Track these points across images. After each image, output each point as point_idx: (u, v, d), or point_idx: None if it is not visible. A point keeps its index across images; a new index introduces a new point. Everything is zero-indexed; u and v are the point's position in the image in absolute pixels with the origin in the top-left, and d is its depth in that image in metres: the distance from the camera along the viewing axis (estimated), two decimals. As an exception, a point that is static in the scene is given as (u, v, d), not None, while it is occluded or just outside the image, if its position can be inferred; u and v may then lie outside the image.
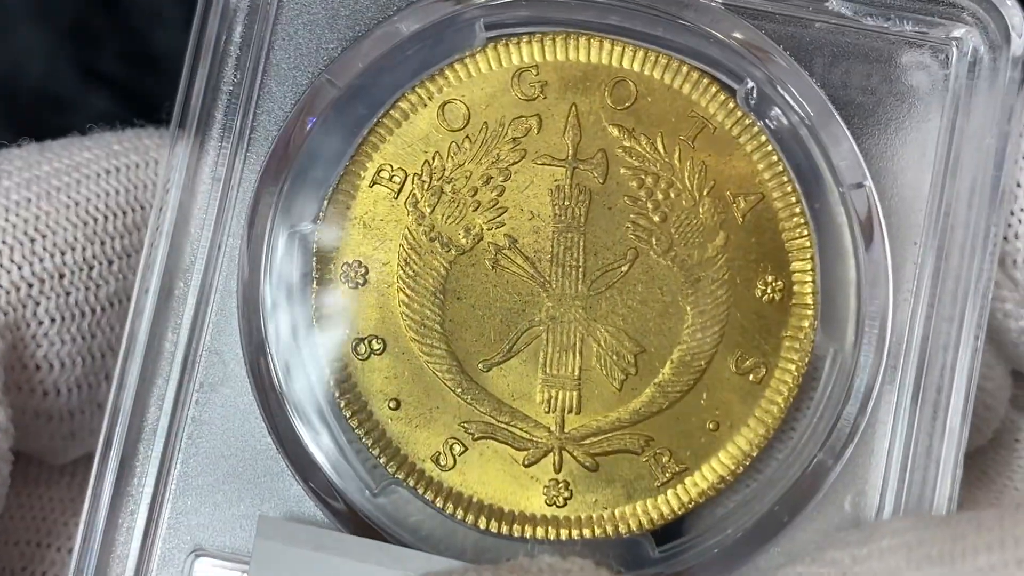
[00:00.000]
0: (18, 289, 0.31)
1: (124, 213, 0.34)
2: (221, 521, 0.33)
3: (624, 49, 0.33)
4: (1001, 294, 0.34)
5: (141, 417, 0.33)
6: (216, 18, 0.33)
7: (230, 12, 0.34)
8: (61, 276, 0.32)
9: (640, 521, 0.32)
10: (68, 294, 0.32)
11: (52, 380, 0.32)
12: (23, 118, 0.49)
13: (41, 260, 0.32)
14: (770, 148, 0.33)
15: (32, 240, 0.32)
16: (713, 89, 0.33)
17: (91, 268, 0.33)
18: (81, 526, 0.32)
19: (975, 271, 0.32)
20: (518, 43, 0.33)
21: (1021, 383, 0.37)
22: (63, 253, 0.32)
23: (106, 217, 0.33)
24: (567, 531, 0.32)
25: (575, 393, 0.32)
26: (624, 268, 0.33)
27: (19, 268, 0.32)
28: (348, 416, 0.32)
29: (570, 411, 0.32)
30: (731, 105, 0.33)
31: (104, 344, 0.33)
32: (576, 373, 0.32)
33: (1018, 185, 0.33)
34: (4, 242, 0.32)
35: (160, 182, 0.33)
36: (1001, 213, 0.33)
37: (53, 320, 0.32)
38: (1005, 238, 0.34)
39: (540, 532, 0.32)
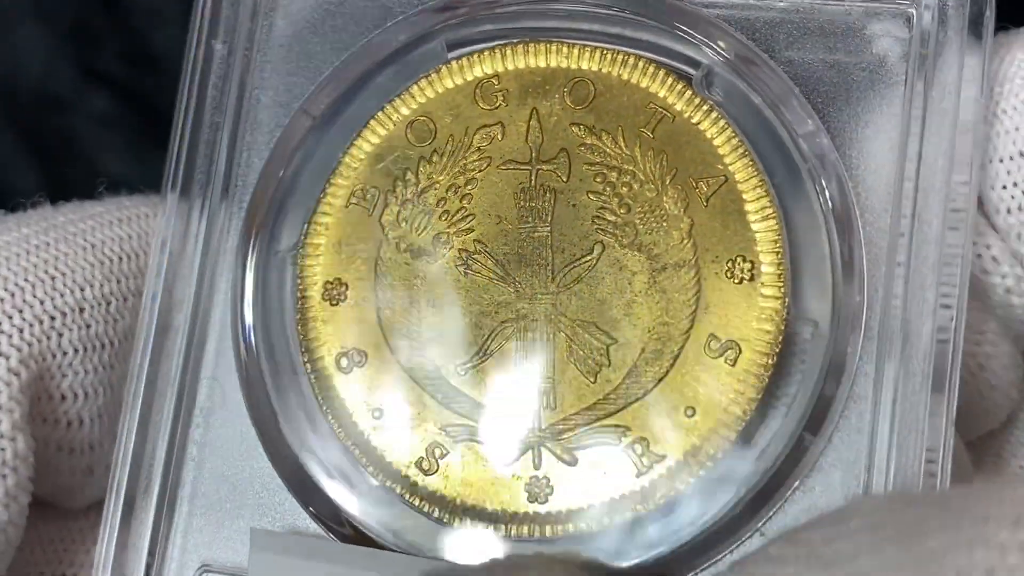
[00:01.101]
0: (41, 322, 0.34)
1: (137, 256, 0.36)
2: (227, 538, 0.34)
3: (581, 50, 0.34)
4: (1002, 269, 0.33)
5: (149, 442, 0.34)
6: (200, 63, 0.35)
7: (214, 57, 0.36)
8: (81, 310, 0.34)
9: (623, 512, 0.32)
10: (88, 327, 0.34)
11: (76, 410, 0.34)
12: (23, 118, 0.50)
13: (62, 295, 0.34)
14: (731, 131, 0.33)
15: (53, 278, 0.34)
16: (670, 79, 0.33)
17: (108, 304, 0.35)
18: (98, 547, 0.34)
19: (953, 234, 0.31)
20: (479, 56, 0.34)
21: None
22: (82, 289, 0.34)
23: (120, 258, 0.35)
24: (551, 526, 0.32)
25: (550, 388, 0.33)
26: (591, 261, 0.33)
27: (41, 303, 0.34)
28: (335, 428, 0.33)
29: (546, 407, 0.33)
30: (689, 93, 0.33)
31: (122, 375, 0.35)
32: (550, 369, 0.33)
33: (1001, 158, 0.32)
34: (26, 280, 0.34)
35: (157, 223, 0.35)
36: (974, 170, 0.32)
37: (76, 351, 0.34)
38: (1008, 210, 0.32)
39: (524, 530, 0.32)
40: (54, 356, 0.34)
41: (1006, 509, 0.24)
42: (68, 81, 0.51)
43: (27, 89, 0.51)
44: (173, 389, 0.35)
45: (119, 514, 0.34)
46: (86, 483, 0.35)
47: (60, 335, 0.34)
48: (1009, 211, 0.32)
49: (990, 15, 0.32)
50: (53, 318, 0.34)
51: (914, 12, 0.33)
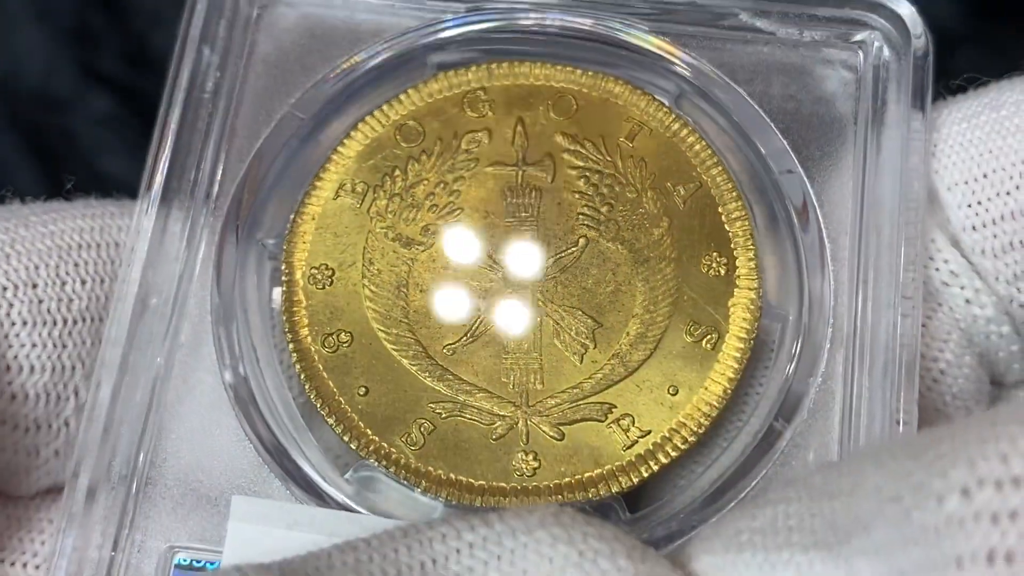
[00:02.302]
0: None
1: (98, 245, 0.36)
2: (199, 518, 0.33)
3: (563, 69, 0.36)
4: (960, 281, 0.36)
5: (116, 423, 0.33)
6: (188, 71, 0.36)
7: (202, 66, 0.37)
8: (34, 285, 0.34)
9: (608, 486, 0.33)
10: (40, 302, 0.34)
11: (20, 383, 0.33)
12: (23, 118, 0.50)
13: (16, 270, 0.34)
14: (704, 144, 0.36)
15: (7, 255, 0.34)
16: (647, 99, 0.36)
17: (63, 283, 0.34)
18: (56, 528, 0.32)
19: (906, 244, 0.34)
20: (467, 71, 0.37)
21: (994, 392, 0.38)
22: (36, 267, 0.34)
23: (80, 245, 0.35)
24: (538, 501, 0.33)
25: (537, 367, 0.34)
26: (576, 253, 0.35)
27: None
28: (319, 405, 0.33)
29: (533, 384, 0.34)
30: (664, 110, 0.36)
31: (75, 356, 0.34)
32: (537, 350, 0.34)
33: (967, 180, 0.35)
34: None
35: (137, 210, 0.35)
36: (919, 189, 0.35)
37: (25, 323, 0.33)
38: (973, 227, 0.35)
39: (511, 503, 0.33)
40: (1, 325, 0.33)
41: (1015, 412, 0.26)
42: (68, 81, 0.51)
43: (27, 89, 0.51)
44: (148, 371, 0.34)
45: (83, 493, 0.33)
46: (31, 464, 0.34)
47: (11, 305, 0.34)
48: (974, 228, 0.35)
49: (929, 60, 0.36)
50: (4, 288, 0.34)
51: (860, 54, 0.37)
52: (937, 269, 0.36)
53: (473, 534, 0.29)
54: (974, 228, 0.35)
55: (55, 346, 0.34)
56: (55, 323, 0.34)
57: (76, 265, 0.35)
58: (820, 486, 0.28)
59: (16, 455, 0.34)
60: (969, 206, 0.35)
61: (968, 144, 0.36)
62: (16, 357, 0.34)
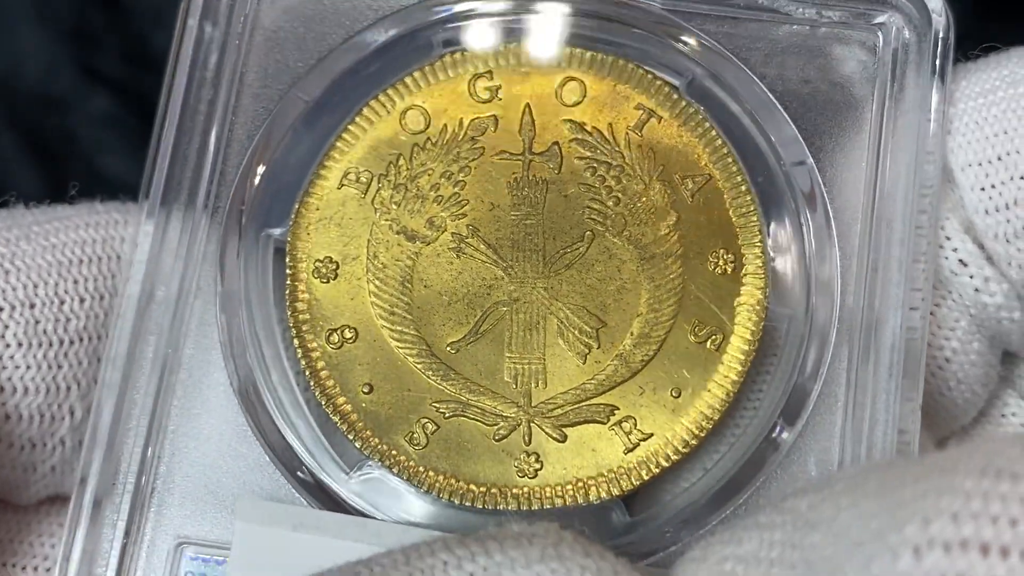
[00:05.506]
0: None
1: (99, 259, 0.35)
2: (206, 513, 0.34)
3: (572, 52, 0.36)
4: (969, 271, 0.35)
5: (124, 418, 0.34)
6: (190, 48, 0.36)
7: (204, 43, 0.36)
8: (31, 305, 0.34)
9: (609, 488, 0.33)
10: (37, 323, 0.34)
11: (14, 403, 0.33)
12: (23, 118, 0.50)
13: (14, 289, 0.34)
14: (714, 134, 0.35)
15: (7, 272, 0.34)
16: (657, 83, 0.35)
17: (62, 302, 0.34)
18: (67, 523, 0.33)
19: (917, 236, 0.34)
20: (474, 52, 0.36)
21: (1008, 362, 0.38)
22: (35, 285, 0.34)
23: (81, 260, 0.35)
24: (539, 502, 0.33)
25: (540, 368, 0.34)
26: (582, 248, 0.34)
27: None
28: (324, 403, 0.34)
29: (536, 385, 0.34)
30: (674, 97, 0.35)
31: (70, 377, 0.34)
32: (540, 349, 0.34)
33: (980, 162, 0.35)
34: None
35: (140, 207, 0.35)
36: (937, 177, 0.34)
37: (20, 344, 0.33)
38: (986, 211, 0.35)
39: (513, 504, 0.33)
40: None
41: (974, 461, 0.25)
42: (68, 81, 0.51)
43: (27, 89, 0.51)
44: (154, 365, 0.34)
45: (91, 494, 0.33)
46: (29, 479, 0.34)
47: (6, 327, 0.34)
48: (987, 212, 0.34)
49: (950, 39, 0.35)
50: (1, 309, 0.34)
51: (880, 37, 0.35)
52: (946, 258, 0.35)
53: (473, 564, 0.29)
54: (987, 212, 0.35)
55: (50, 367, 0.34)
56: (51, 344, 0.34)
57: (75, 283, 0.35)
58: (805, 512, 0.28)
59: (13, 471, 0.34)
60: (983, 189, 0.35)
61: (983, 122, 0.35)
62: (11, 379, 0.34)
